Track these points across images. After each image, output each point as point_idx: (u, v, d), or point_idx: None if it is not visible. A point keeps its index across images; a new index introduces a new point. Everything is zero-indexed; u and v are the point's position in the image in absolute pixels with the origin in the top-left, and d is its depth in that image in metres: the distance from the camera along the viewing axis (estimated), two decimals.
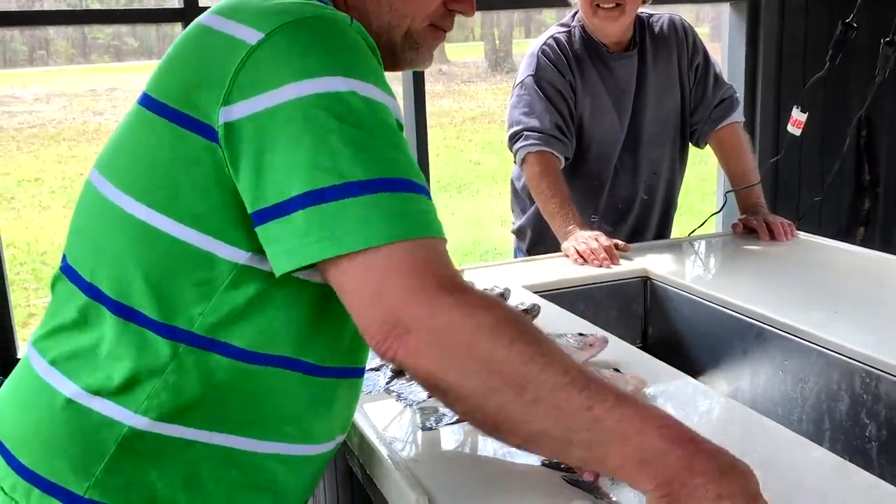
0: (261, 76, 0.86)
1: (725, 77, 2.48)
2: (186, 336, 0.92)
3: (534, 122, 2.24)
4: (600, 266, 2.01)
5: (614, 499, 0.99)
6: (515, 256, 2.58)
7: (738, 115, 2.41)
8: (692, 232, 2.42)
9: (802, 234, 2.26)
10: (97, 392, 0.93)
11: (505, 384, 0.81)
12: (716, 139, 2.40)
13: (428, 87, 3.16)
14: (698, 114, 2.40)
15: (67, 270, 1.00)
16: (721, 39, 3.85)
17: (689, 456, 0.81)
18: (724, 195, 2.47)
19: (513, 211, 2.60)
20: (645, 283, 2.00)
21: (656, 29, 2.36)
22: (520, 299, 1.66)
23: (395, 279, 0.83)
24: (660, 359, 1.46)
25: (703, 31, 2.41)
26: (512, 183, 2.57)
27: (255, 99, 0.86)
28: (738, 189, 2.37)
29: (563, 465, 1.06)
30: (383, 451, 1.15)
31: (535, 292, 1.84)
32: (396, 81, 3.22)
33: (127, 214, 0.94)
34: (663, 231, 2.51)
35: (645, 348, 1.91)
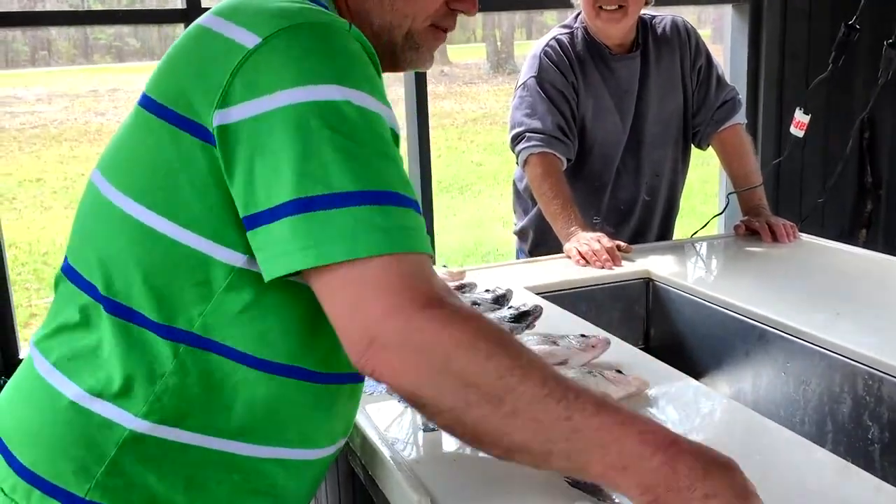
0: (256, 81, 0.86)
1: (728, 79, 2.48)
2: (186, 336, 0.92)
3: (536, 124, 2.24)
4: (602, 267, 2.01)
5: (617, 500, 0.99)
6: (517, 258, 2.58)
7: (741, 117, 2.41)
8: (694, 233, 2.41)
9: (805, 236, 2.25)
10: (99, 394, 0.93)
11: (482, 398, 0.81)
12: (718, 141, 2.40)
13: (430, 88, 3.16)
14: (701, 115, 2.40)
15: (69, 271, 1.00)
16: (723, 41, 3.85)
17: (672, 459, 0.81)
18: (727, 197, 2.47)
19: (515, 212, 2.60)
20: (647, 284, 2.00)
21: (659, 30, 2.36)
22: (522, 300, 1.66)
23: (373, 294, 0.83)
24: (662, 360, 1.46)
25: (704, 33, 2.41)
26: (514, 184, 2.57)
27: (249, 103, 0.86)
28: (741, 191, 2.37)
29: None
30: (385, 452, 1.14)
31: (538, 293, 1.84)
32: (398, 83, 3.22)
33: (127, 215, 0.94)
34: (665, 232, 2.51)
35: (647, 350, 1.91)
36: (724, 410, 1.32)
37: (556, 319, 1.66)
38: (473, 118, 12.73)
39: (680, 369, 1.42)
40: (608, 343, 1.44)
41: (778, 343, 1.63)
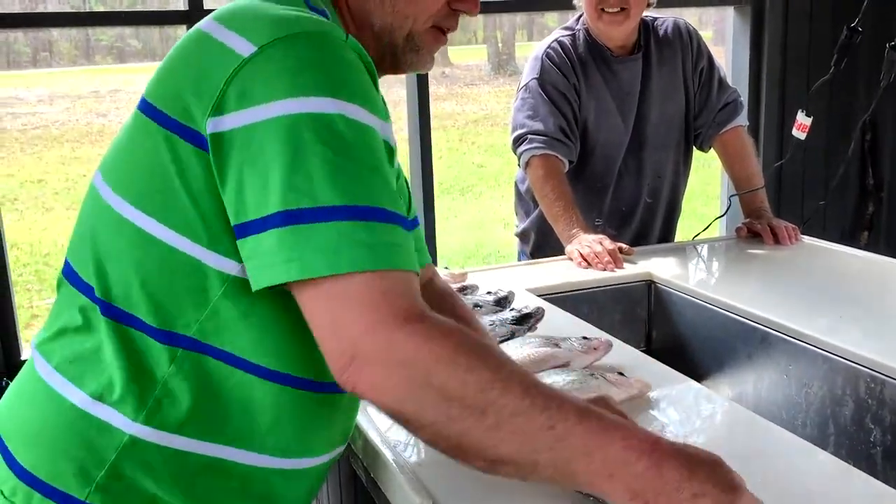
0: (250, 90, 0.86)
1: (729, 81, 2.48)
2: (184, 340, 0.92)
3: (538, 126, 2.24)
4: (604, 269, 2.01)
5: None
6: (519, 259, 2.58)
7: (743, 119, 2.41)
8: (696, 235, 2.41)
9: (806, 238, 2.25)
10: (99, 398, 0.93)
11: (464, 412, 0.81)
12: (720, 143, 2.40)
13: (431, 89, 3.16)
14: (702, 117, 2.40)
15: (70, 274, 1.00)
16: (724, 43, 3.84)
17: (656, 463, 0.81)
18: (728, 199, 2.47)
19: (516, 214, 2.59)
20: (649, 286, 2.00)
21: (661, 32, 2.36)
22: (524, 302, 1.66)
23: (355, 310, 0.82)
24: (664, 363, 1.46)
25: (705, 35, 2.40)
26: (516, 186, 2.57)
27: (242, 112, 0.86)
28: (743, 193, 2.37)
29: None
30: (387, 454, 1.14)
31: (539, 295, 1.84)
32: (399, 84, 3.22)
33: (125, 220, 0.94)
34: (667, 234, 2.51)
35: (649, 352, 1.90)
36: (725, 413, 1.32)
37: (558, 321, 1.66)
38: (474, 119, 12.73)
39: (682, 371, 1.42)
40: (610, 345, 1.44)
41: (780, 345, 1.63)
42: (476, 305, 1.63)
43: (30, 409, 0.99)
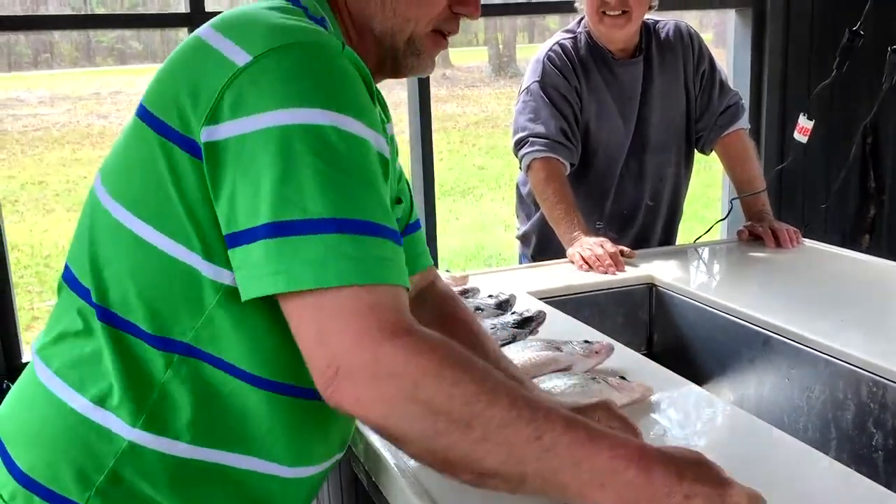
0: (244, 100, 0.86)
1: (730, 84, 2.48)
2: (180, 346, 0.92)
3: (539, 129, 2.24)
4: (605, 272, 2.00)
5: None
6: (520, 262, 2.58)
7: (744, 122, 2.41)
8: (697, 238, 2.41)
9: (808, 242, 2.25)
10: (100, 403, 0.93)
11: (450, 425, 0.81)
12: (721, 146, 2.40)
13: (432, 91, 3.16)
14: (704, 120, 2.40)
15: (70, 278, 1.00)
16: (725, 46, 3.84)
17: (645, 470, 0.81)
18: (730, 202, 2.47)
19: (518, 216, 2.59)
20: (650, 289, 2.00)
21: (662, 35, 2.36)
22: (525, 306, 1.66)
23: (341, 324, 0.82)
24: (665, 366, 1.46)
25: (706, 37, 2.40)
26: (517, 188, 2.56)
27: (236, 122, 0.86)
28: (744, 196, 2.37)
29: None
30: (389, 458, 1.14)
31: (541, 298, 1.84)
32: (400, 86, 3.21)
33: (122, 225, 0.94)
34: (669, 237, 2.51)
35: (650, 355, 1.90)
36: (727, 417, 1.32)
37: (560, 325, 1.65)
38: (475, 121, 12.73)
39: (683, 375, 1.42)
40: (612, 349, 1.44)
41: (781, 349, 1.63)
42: (477, 309, 1.63)
43: (30, 414, 0.99)
